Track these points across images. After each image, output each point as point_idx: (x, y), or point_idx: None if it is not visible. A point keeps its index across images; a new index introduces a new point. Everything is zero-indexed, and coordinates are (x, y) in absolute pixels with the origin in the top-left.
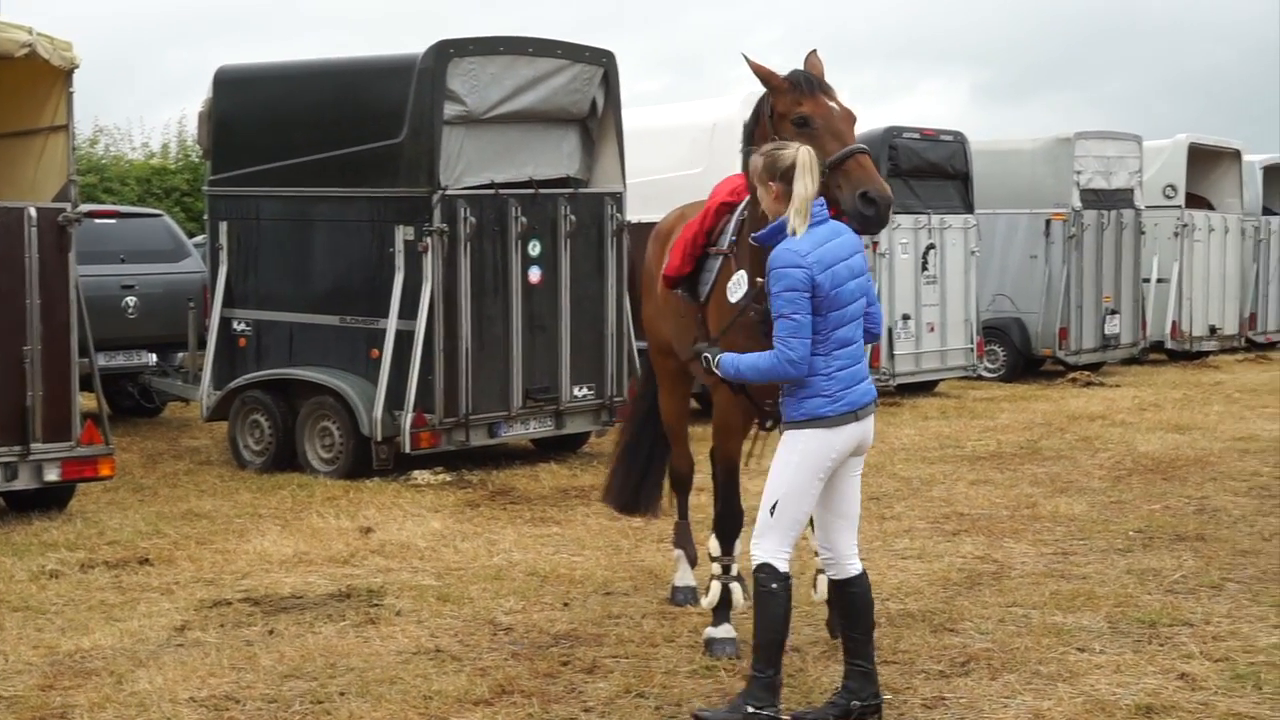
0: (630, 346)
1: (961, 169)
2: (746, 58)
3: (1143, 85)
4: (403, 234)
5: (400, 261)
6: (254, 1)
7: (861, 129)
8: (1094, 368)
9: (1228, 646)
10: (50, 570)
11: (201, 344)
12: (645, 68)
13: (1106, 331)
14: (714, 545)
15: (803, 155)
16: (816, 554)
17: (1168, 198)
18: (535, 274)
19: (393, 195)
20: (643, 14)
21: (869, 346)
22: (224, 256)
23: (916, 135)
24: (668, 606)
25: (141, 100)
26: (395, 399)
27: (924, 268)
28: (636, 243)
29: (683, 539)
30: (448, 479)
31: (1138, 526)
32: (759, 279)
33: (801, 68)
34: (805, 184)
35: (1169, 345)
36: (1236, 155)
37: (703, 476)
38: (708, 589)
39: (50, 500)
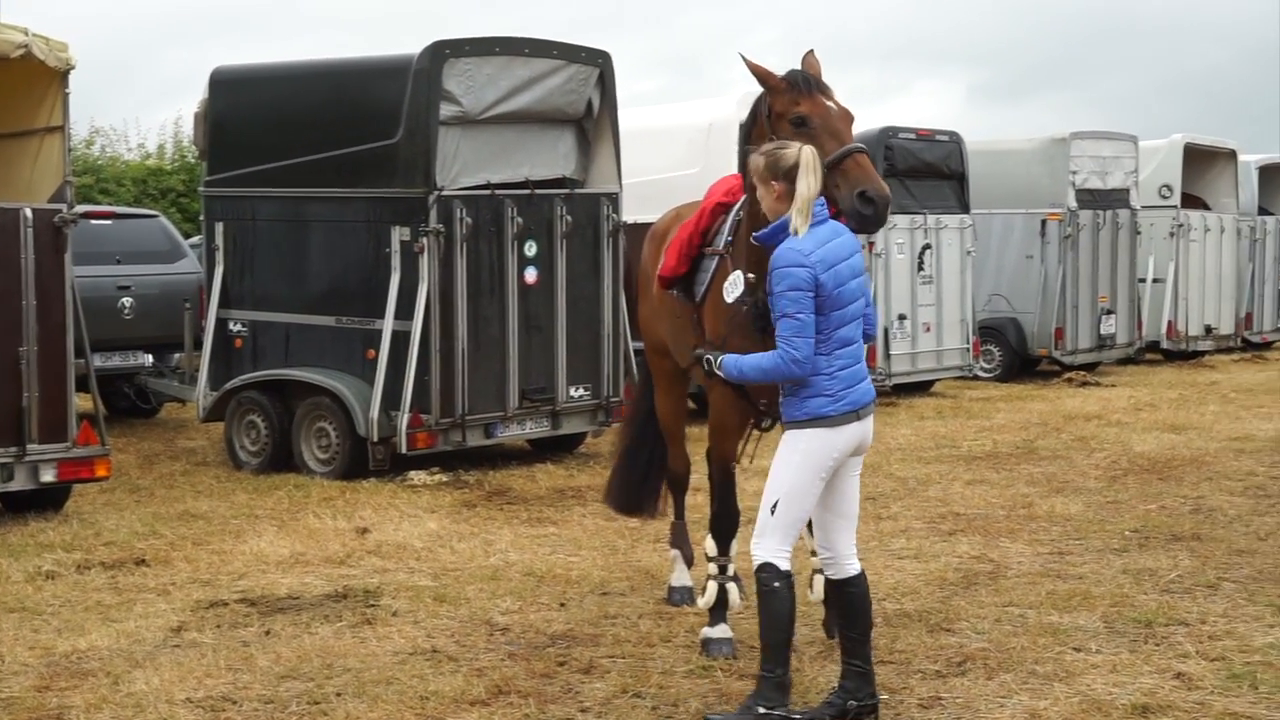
0: (626, 347)
1: (957, 169)
2: (744, 57)
3: (1138, 85)
4: (399, 234)
5: (396, 262)
6: (250, 2)
7: (858, 129)
8: (1090, 368)
9: (1224, 646)
10: (46, 571)
11: (198, 345)
12: (642, 68)
13: (1102, 331)
14: (710, 545)
15: (806, 155)
16: (813, 554)
17: (1163, 198)
18: (531, 274)
19: (389, 196)
20: (639, 14)
21: (865, 347)
22: (220, 257)
23: (912, 135)
24: (664, 606)
25: (137, 101)
26: (391, 399)
27: (920, 268)
28: (633, 243)
29: (679, 539)
30: (444, 479)
31: (1134, 526)
32: (750, 275)
33: (799, 68)
34: (808, 183)
35: (1165, 345)
36: (1232, 155)
37: (699, 477)
38: (704, 589)
39: (46, 501)
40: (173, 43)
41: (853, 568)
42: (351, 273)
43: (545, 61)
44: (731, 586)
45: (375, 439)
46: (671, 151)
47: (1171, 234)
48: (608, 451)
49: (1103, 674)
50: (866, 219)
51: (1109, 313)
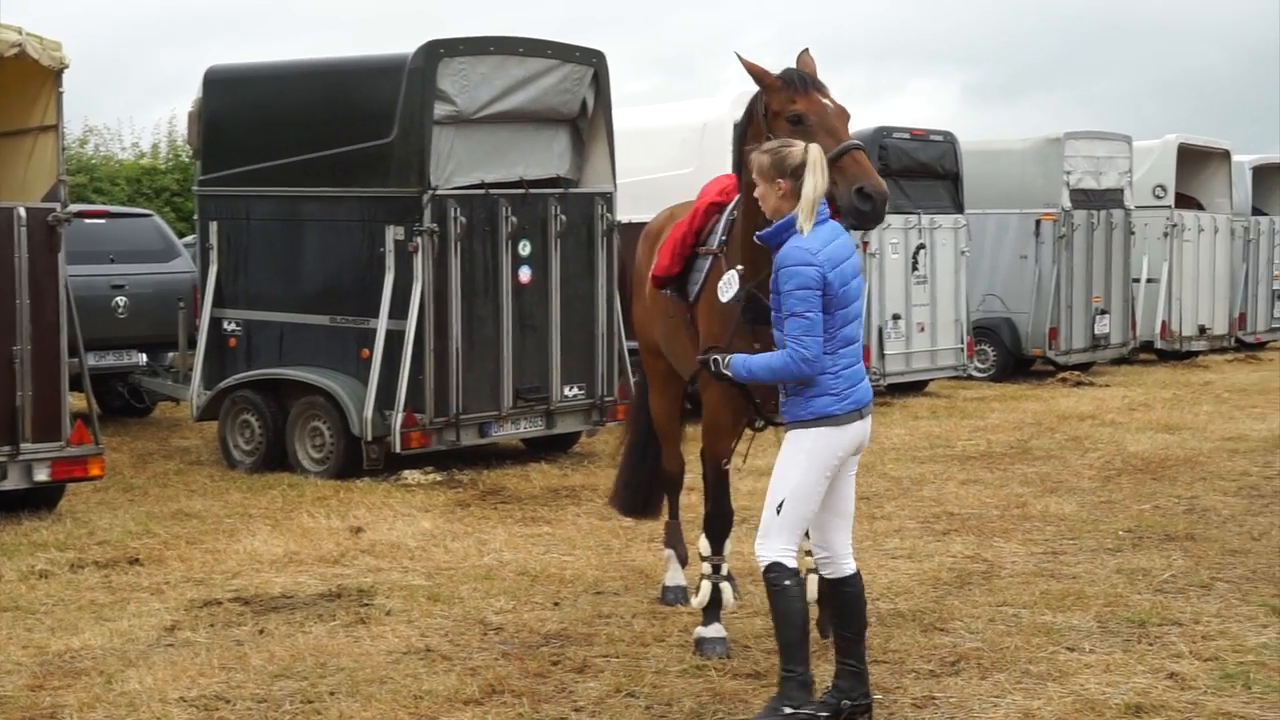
0: (621, 347)
1: (952, 169)
2: (739, 56)
3: (1132, 86)
4: (393, 234)
5: (390, 261)
6: (245, 1)
7: (852, 129)
8: (1084, 368)
9: (1217, 646)
10: (40, 570)
11: (191, 344)
12: (636, 68)
13: (1096, 331)
14: (704, 545)
15: (813, 153)
16: (808, 554)
17: (1157, 198)
18: (526, 274)
19: (383, 195)
20: (633, 14)
21: None
22: (214, 256)
23: (907, 135)
24: (658, 606)
25: (131, 100)
26: (386, 399)
27: (914, 268)
28: (627, 243)
29: (673, 538)
30: (438, 479)
31: (1127, 526)
32: (739, 266)
33: (794, 66)
34: (815, 182)
35: (1159, 345)
36: (1226, 155)
37: (693, 476)
38: (698, 588)
39: (40, 500)
40: (167, 42)
41: (849, 567)
42: (346, 272)
43: (540, 61)
44: (725, 586)
45: (369, 438)
46: (665, 151)
47: (1165, 234)
48: (603, 451)
49: (1096, 674)
50: (865, 215)
51: (1103, 313)
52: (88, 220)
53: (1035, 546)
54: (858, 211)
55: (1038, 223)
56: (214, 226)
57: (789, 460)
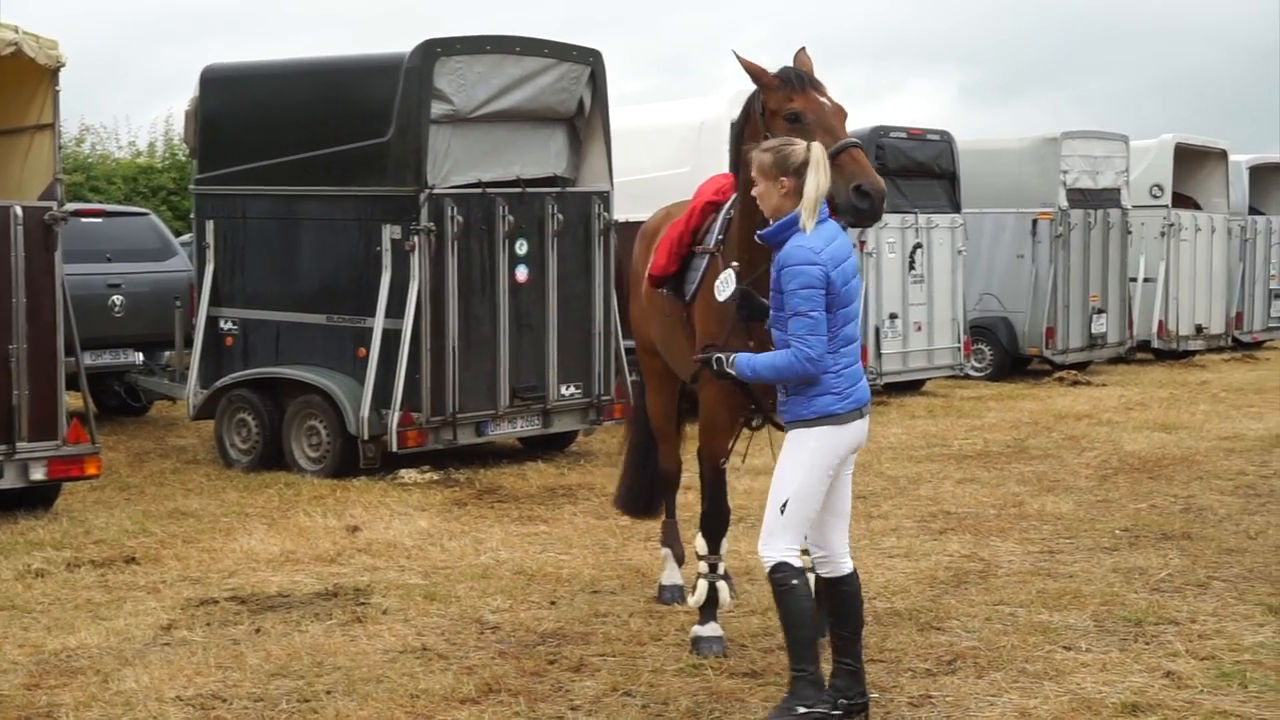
0: (618, 346)
1: (948, 168)
2: (737, 54)
3: (1129, 85)
4: (390, 233)
5: (387, 260)
6: (242, 0)
7: (849, 128)
8: (1081, 367)
9: (1213, 645)
10: (36, 569)
11: (188, 343)
12: (633, 67)
13: (1093, 331)
14: (701, 544)
15: (816, 151)
16: (804, 553)
17: (1154, 197)
18: (522, 273)
19: (380, 194)
20: (630, 14)
21: None
22: (210, 255)
23: (903, 135)
24: (655, 605)
25: (128, 99)
26: (382, 398)
27: (911, 267)
28: (624, 242)
29: (670, 537)
30: (435, 478)
31: (1124, 525)
32: (734, 263)
33: (790, 65)
34: (818, 180)
35: (1155, 344)
36: (1223, 155)
37: (690, 475)
38: (694, 587)
39: (36, 499)
40: (164, 41)
41: (846, 566)
42: (342, 271)
43: (536, 60)
44: (722, 585)
45: (366, 437)
46: (662, 150)
47: (1162, 233)
48: (600, 450)
49: (1093, 672)
50: (863, 213)
51: (1100, 312)
52: (84, 219)
53: (1032, 545)
54: (856, 209)
55: (1035, 222)
56: (210, 225)
57: (792, 460)
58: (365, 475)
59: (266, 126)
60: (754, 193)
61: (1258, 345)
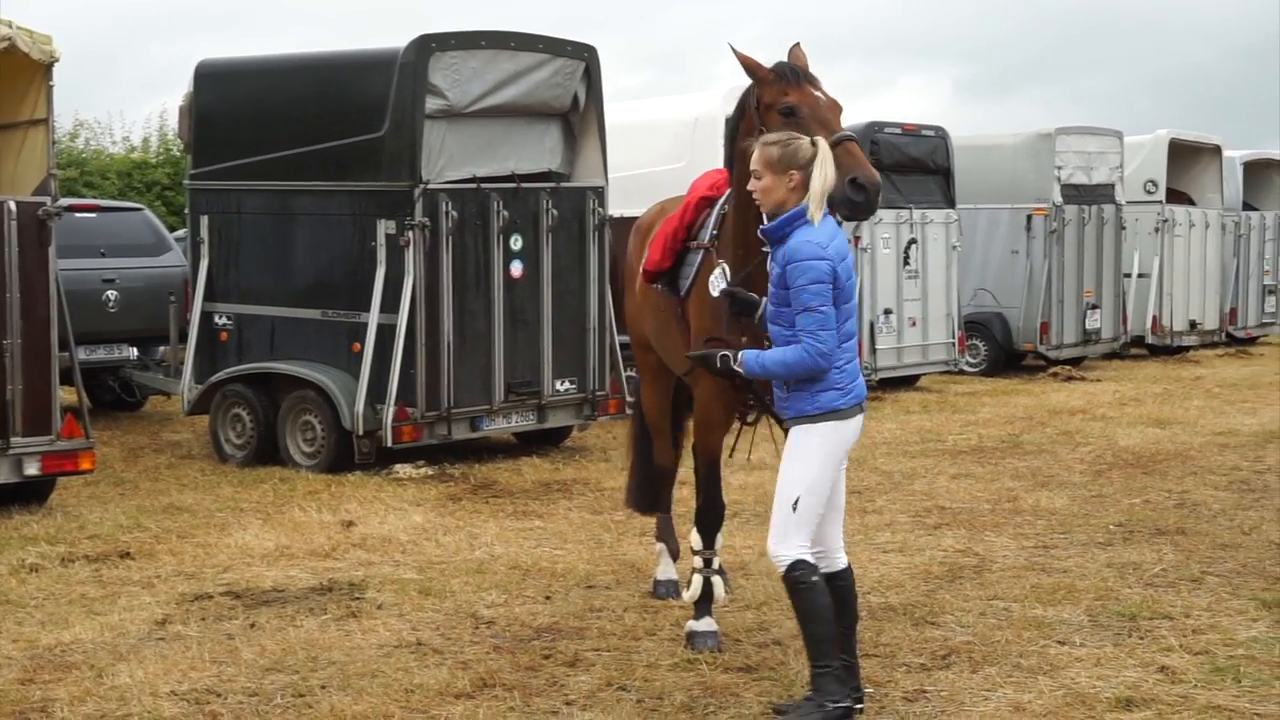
0: (613, 341)
1: (943, 164)
2: (733, 48)
3: (1124, 82)
4: (384, 228)
5: (382, 255)
6: None
7: (844, 123)
8: (1075, 362)
9: (1207, 640)
10: (30, 564)
11: (183, 338)
12: (628, 63)
13: (1087, 326)
14: (695, 539)
15: (822, 146)
16: None
17: (1149, 193)
18: (517, 268)
19: (374, 189)
20: (624, 10)
21: None
22: (205, 250)
23: (898, 130)
24: (649, 600)
25: (122, 94)
26: (377, 393)
27: (906, 262)
28: (618, 237)
29: (665, 532)
30: (429, 473)
31: (1118, 520)
32: (720, 263)
33: (785, 60)
34: (825, 174)
35: (1149, 340)
36: (1217, 151)
37: (684, 470)
38: (689, 582)
39: (30, 494)
40: (158, 36)
41: (841, 561)
42: (337, 266)
43: (531, 55)
44: (717, 580)
45: (361, 432)
46: (657, 146)
47: (1156, 229)
48: (594, 445)
49: (1087, 667)
50: (858, 206)
51: (1094, 308)
52: (78, 214)
53: (1026, 540)
54: (851, 202)
55: (1029, 218)
56: (205, 220)
57: (800, 456)
58: (360, 470)
59: (261, 121)
60: (758, 186)
61: (1251, 341)
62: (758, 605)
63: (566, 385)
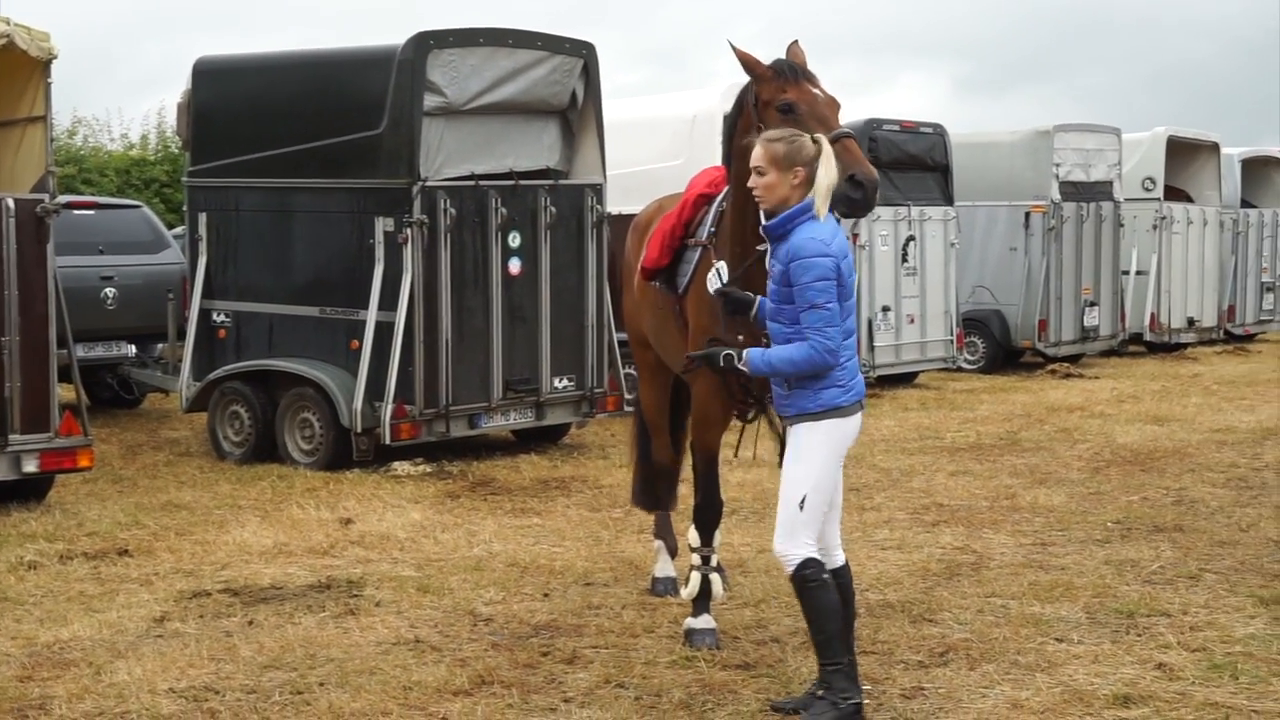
0: (611, 338)
1: (941, 161)
2: (732, 44)
3: (1122, 79)
4: (382, 225)
5: (380, 253)
6: None
7: (842, 121)
8: (1073, 360)
9: (1205, 637)
10: (29, 561)
11: (181, 335)
12: (626, 60)
13: (1085, 323)
14: (693, 536)
15: (825, 143)
16: None
17: (1147, 190)
18: (515, 265)
19: (373, 186)
20: (624, 6)
21: None
22: (203, 248)
23: (896, 127)
24: (648, 597)
25: (121, 91)
26: (375, 390)
27: (904, 259)
28: (617, 234)
29: (663, 530)
30: (428, 470)
31: (1116, 517)
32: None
33: (784, 57)
34: (829, 171)
35: (1148, 337)
36: (1215, 148)
37: (686, 467)
38: (687, 580)
39: (29, 491)
40: (156, 33)
41: (839, 559)
42: (335, 263)
43: (529, 52)
44: (715, 577)
45: (359, 430)
46: (655, 143)
47: (1154, 226)
48: (593, 443)
49: (1084, 664)
50: (856, 203)
51: (1092, 305)
52: (77, 211)
53: (1024, 538)
54: (849, 199)
55: (1027, 215)
56: (203, 218)
57: (805, 455)
58: (358, 468)
59: (259, 119)
60: (761, 183)
61: (1249, 338)
62: (756, 603)
63: (565, 383)
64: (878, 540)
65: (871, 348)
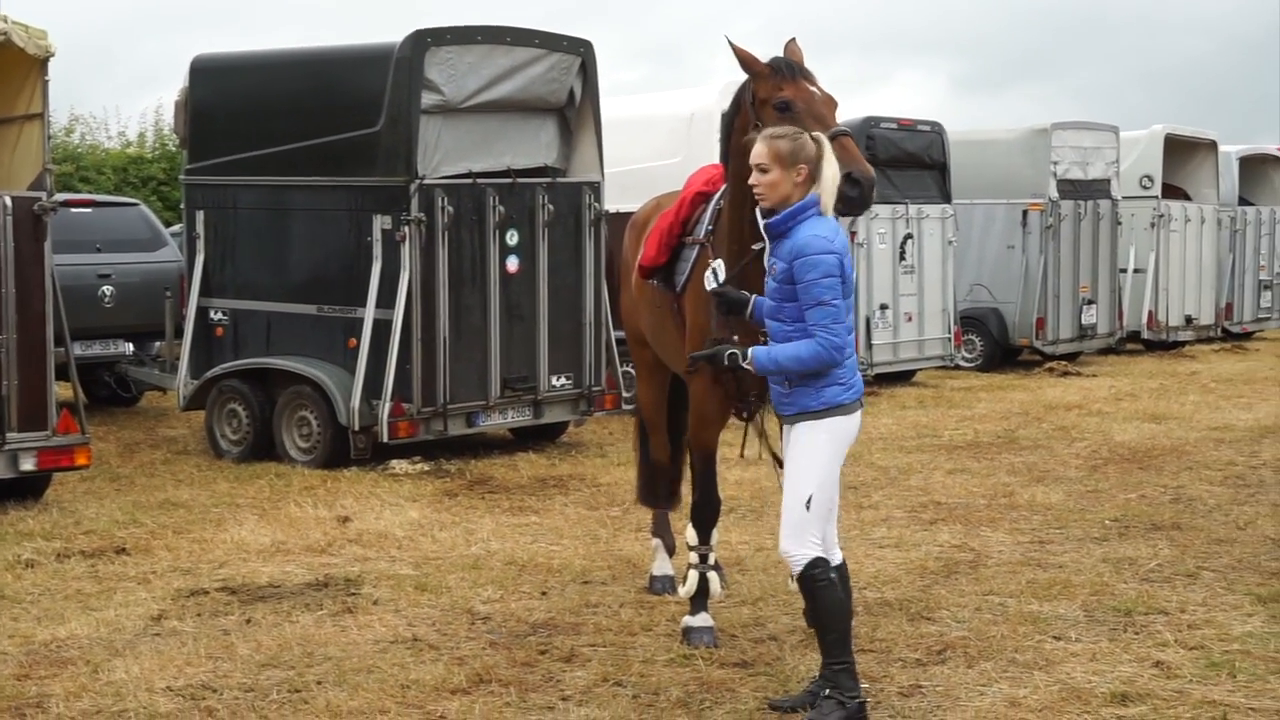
0: (609, 336)
1: (939, 159)
2: (729, 41)
3: (1119, 77)
4: (380, 223)
5: (378, 251)
6: None
7: (840, 119)
8: (1071, 357)
9: (1203, 635)
10: (26, 560)
11: (178, 333)
12: (623, 58)
13: (1083, 321)
14: (691, 534)
15: (825, 141)
16: None
17: (1144, 188)
18: (513, 263)
19: (370, 184)
20: (621, 4)
21: None
22: (201, 246)
23: (894, 125)
24: (645, 595)
25: (118, 89)
26: (373, 388)
27: (902, 258)
28: (614, 232)
29: (661, 528)
30: (425, 468)
31: (1114, 515)
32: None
33: (781, 55)
34: (832, 168)
35: (1145, 335)
36: (1213, 146)
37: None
38: (685, 578)
39: (26, 489)
40: (153, 31)
41: (836, 557)
42: (333, 261)
43: (527, 50)
44: (713, 575)
45: (357, 428)
46: (653, 141)
47: (1152, 224)
48: (591, 441)
49: (1082, 662)
50: (853, 201)
51: (1090, 303)
52: (74, 209)
53: (1022, 536)
54: (846, 197)
55: (1025, 213)
56: (201, 216)
57: (809, 453)
58: (356, 466)
59: (257, 117)
60: (763, 180)
61: (1247, 336)
62: (754, 600)
63: (562, 381)
64: (875, 538)
65: (869, 346)
